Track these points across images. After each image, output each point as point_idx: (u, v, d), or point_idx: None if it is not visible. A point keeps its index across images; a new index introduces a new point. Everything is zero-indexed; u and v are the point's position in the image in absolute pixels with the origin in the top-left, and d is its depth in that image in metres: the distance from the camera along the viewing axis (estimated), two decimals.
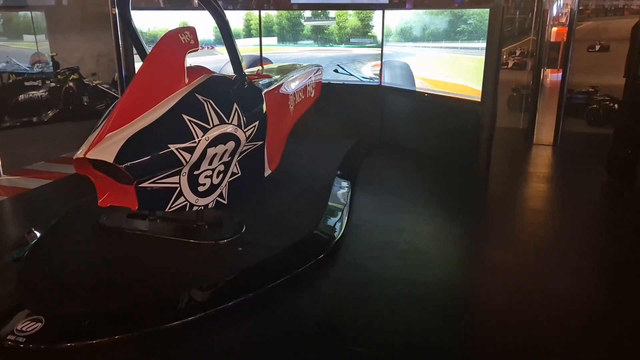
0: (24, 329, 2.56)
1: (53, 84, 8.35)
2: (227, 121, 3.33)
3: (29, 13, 9.00)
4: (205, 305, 2.89)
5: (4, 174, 5.37)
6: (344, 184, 4.82)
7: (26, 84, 8.36)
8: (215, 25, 3.83)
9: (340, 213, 4.13)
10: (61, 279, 3.07)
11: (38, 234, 3.67)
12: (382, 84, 6.40)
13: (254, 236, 3.61)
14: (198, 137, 3.13)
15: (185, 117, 3.12)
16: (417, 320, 2.85)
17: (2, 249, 3.59)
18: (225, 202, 3.60)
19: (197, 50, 3.37)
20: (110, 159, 2.84)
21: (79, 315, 2.72)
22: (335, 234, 3.77)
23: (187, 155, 3.09)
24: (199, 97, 3.26)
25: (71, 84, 8.24)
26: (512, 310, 2.96)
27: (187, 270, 3.20)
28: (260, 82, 4.18)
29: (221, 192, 3.54)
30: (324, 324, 2.81)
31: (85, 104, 8.25)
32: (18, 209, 4.58)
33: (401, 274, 3.34)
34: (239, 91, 3.68)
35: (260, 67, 5.48)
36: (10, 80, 8.58)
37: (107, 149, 2.85)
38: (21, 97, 8.07)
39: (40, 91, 8.23)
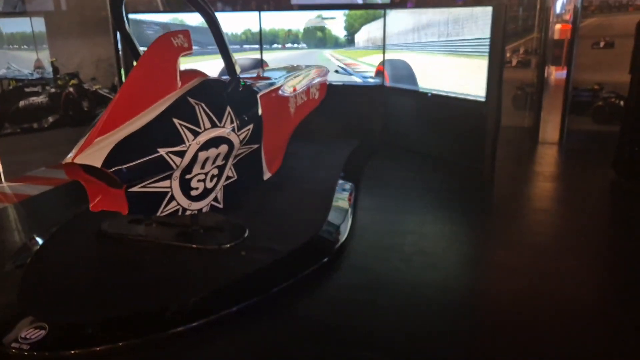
0: (27, 336, 2.54)
1: (53, 90, 8.32)
2: (219, 124, 3.29)
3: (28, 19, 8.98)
4: (209, 311, 2.84)
5: (5, 181, 5.34)
6: (348, 185, 4.78)
7: (26, 90, 8.34)
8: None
9: (344, 215, 4.09)
10: (64, 285, 3.04)
11: (40, 241, 3.63)
12: (385, 84, 6.36)
13: (257, 240, 3.57)
14: (189, 141, 3.09)
15: (176, 120, 3.08)
16: (423, 323, 2.80)
17: (5, 256, 3.56)
18: (221, 205, 3.56)
19: (190, 53, 3.33)
20: (98, 164, 2.80)
21: (83, 322, 2.69)
22: (340, 237, 3.73)
23: (177, 159, 3.05)
24: (191, 100, 3.22)
25: (71, 89, 8.19)
26: (520, 312, 2.91)
27: (190, 275, 3.16)
28: (258, 84, 4.15)
29: (216, 196, 3.50)
30: (329, 328, 2.76)
31: (85, 109, 8.20)
32: (20, 216, 4.55)
33: (407, 276, 3.29)
34: (232, 94, 3.63)
35: (261, 69, 5.44)
36: (11, 87, 8.56)
37: (95, 154, 2.82)
38: (21, 103, 8.04)
39: (41, 97, 8.20)
